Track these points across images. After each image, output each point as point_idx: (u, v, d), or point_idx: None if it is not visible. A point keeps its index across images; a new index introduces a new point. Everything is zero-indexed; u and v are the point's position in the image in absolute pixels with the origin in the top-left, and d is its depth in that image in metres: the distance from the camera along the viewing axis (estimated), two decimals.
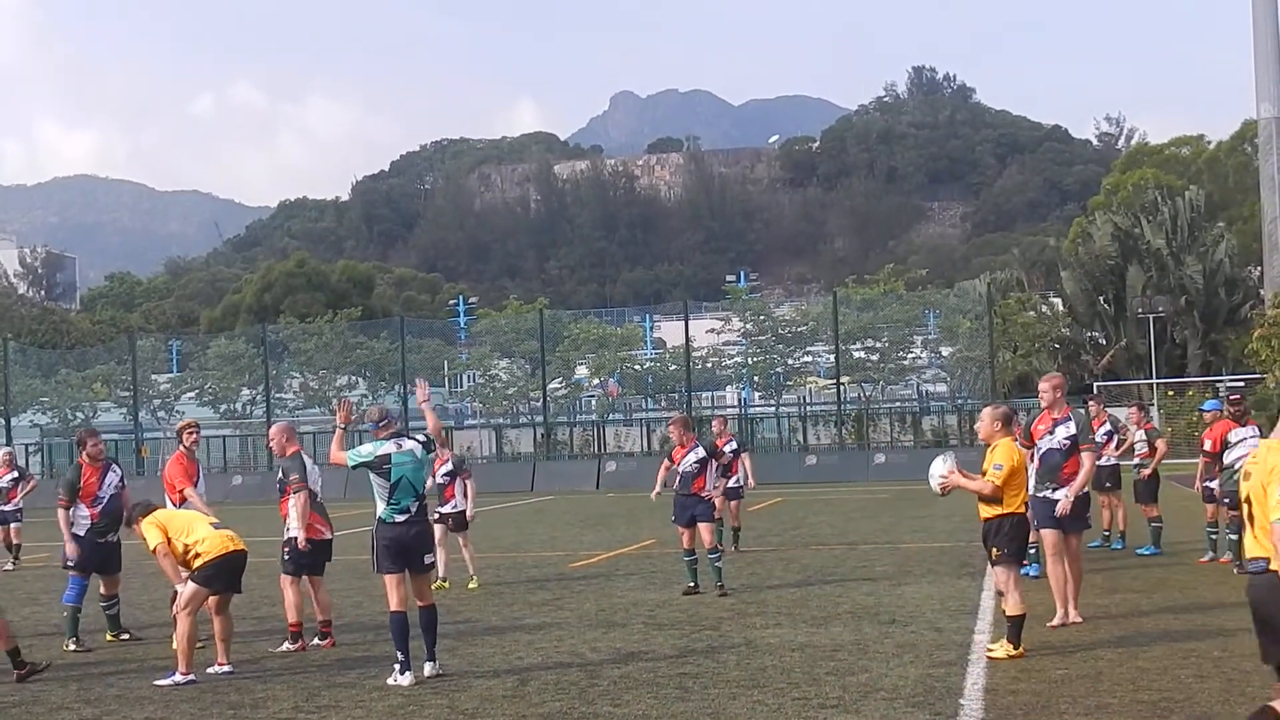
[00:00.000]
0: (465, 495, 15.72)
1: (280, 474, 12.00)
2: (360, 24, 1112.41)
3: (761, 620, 12.40)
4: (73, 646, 12.06)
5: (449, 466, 15.61)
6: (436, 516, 15.67)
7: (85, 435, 12.82)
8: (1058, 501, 11.39)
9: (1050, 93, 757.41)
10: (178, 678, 10.14)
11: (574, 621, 12.77)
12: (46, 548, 20.80)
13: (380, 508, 10.07)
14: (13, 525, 21.08)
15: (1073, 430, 11.54)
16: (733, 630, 11.86)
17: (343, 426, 10.71)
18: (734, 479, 18.89)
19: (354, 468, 10.21)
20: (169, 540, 10.56)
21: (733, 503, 18.91)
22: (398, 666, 9.83)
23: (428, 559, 10.18)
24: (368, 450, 10.15)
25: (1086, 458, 11.56)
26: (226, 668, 10.55)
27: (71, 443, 54.98)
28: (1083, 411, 13.53)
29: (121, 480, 12.70)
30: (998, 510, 10.30)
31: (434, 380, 62.92)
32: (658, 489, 16.31)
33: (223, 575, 10.52)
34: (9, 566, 20.53)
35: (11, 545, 21.04)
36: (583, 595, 14.79)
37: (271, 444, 12.30)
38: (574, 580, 16.38)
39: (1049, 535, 11.43)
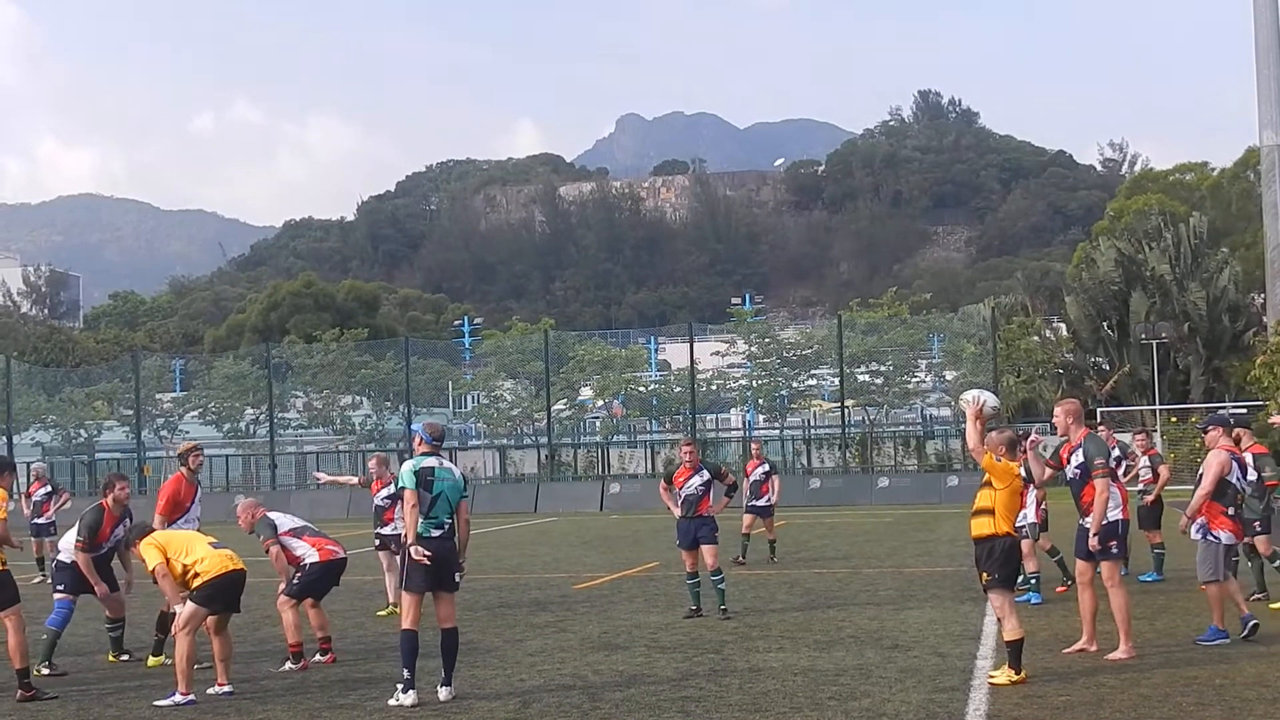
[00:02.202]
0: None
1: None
2: (363, 46, 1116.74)
3: (764, 644, 12.38)
4: (45, 671, 11.76)
5: (390, 489, 15.39)
6: (378, 541, 15.73)
7: (114, 479, 12.60)
8: (1086, 530, 11.40)
9: (1054, 118, 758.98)
10: (178, 698, 10.12)
11: (576, 644, 12.75)
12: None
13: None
14: (46, 539, 21.15)
15: (1080, 459, 11.34)
16: (735, 654, 11.84)
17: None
18: (765, 498, 21.19)
19: (401, 488, 10.20)
20: (168, 560, 10.56)
21: (765, 519, 21.16)
22: (401, 685, 9.80)
23: (458, 576, 10.20)
24: (412, 465, 10.16)
25: (1099, 484, 11.18)
26: (227, 688, 10.53)
27: (73, 461, 55.35)
28: (1099, 435, 12.83)
29: (125, 540, 12.21)
30: (988, 529, 10.36)
31: (438, 401, 62.95)
32: (678, 510, 15.02)
33: (222, 595, 10.52)
34: (37, 580, 20.61)
35: (47, 559, 21.04)
36: (585, 617, 14.77)
37: (240, 522, 12.28)
38: (577, 602, 16.35)
39: (1078, 563, 11.76)
